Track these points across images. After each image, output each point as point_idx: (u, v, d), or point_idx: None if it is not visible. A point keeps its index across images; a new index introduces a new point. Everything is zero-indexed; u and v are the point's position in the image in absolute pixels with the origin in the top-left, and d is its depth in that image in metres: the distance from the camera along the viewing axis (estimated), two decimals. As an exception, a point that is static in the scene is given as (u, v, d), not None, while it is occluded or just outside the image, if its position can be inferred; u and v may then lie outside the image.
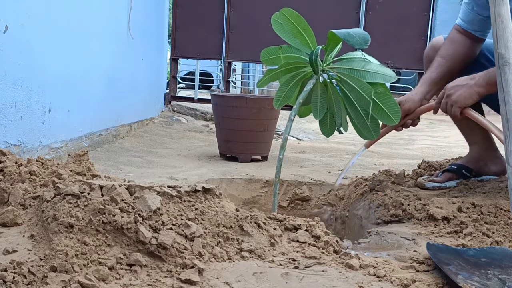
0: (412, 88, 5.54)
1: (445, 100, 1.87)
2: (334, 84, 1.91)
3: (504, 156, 1.44)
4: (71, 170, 1.71)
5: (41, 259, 1.15)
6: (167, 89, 5.44)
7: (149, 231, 1.23)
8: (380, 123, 1.88)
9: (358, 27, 4.60)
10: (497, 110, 1.75)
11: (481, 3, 1.91)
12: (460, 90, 1.82)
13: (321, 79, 1.91)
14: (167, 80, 5.70)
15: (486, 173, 2.17)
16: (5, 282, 1.04)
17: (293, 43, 1.93)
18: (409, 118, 2.02)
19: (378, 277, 1.21)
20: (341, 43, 1.88)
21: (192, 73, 7.43)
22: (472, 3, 1.97)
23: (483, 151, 2.18)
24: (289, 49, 1.96)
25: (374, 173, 2.33)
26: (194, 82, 5.63)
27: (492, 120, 1.86)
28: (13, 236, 1.34)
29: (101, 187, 1.35)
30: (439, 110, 1.92)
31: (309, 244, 1.38)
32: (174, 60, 5.34)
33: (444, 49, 2.07)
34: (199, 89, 5.69)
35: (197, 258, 1.21)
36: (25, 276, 1.07)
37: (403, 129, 2.07)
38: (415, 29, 4.69)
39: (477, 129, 2.17)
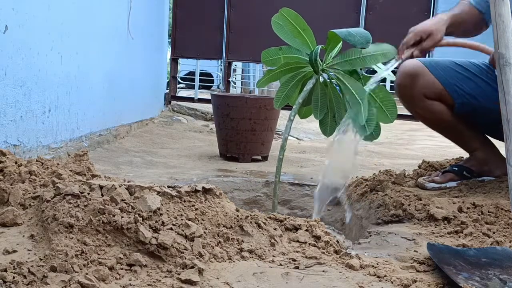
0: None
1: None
2: (334, 84, 1.91)
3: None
4: (71, 170, 1.70)
5: (41, 259, 1.15)
6: (167, 89, 5.44)
7: (149, 231, 1.23)
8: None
9: (359, 27, 4.60)
10: (499, 138, 1.74)
11: None
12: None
13: (321, 79, 1.91)
14: (167, 80, 5.70)
15: (489, 176, 2.14)
16: (5, 282, 1.04)
17: (293, 43, 1.93)
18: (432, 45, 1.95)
19: (378, 277, 1.21)
20: (341, 42, 1.88)
21: (192, 73, 7.43)
22: None
23: (488, 155, 2.14)
24: (289, 49, 1.95)
25: (374, 173, 2.33)
26: (194, 82, 5.63)
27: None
28: (13, 236, 1.34)
29: (101, 187, 1.34)
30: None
31: (309, 244, 1.38)
32: (174, 60, 5.34)
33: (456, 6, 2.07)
34: (199, 89, 5.68)
35: (197, 258, 1.21)
36: (25, 276, 1.07)
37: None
38: (415, 29, 4.68)
39: (471, 135, 2.15)
